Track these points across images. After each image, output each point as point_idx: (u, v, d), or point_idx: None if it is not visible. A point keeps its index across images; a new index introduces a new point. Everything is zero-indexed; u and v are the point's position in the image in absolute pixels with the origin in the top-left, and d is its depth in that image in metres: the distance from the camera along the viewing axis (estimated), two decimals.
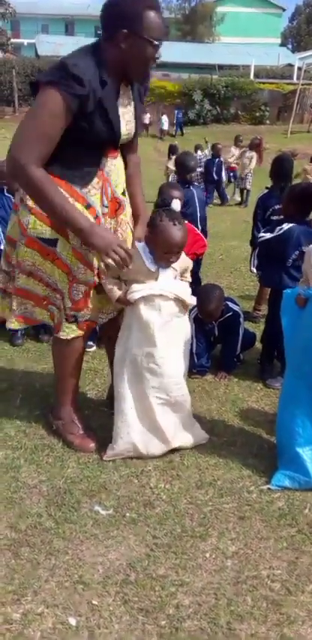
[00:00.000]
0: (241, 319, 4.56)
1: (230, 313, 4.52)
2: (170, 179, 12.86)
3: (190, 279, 3.50)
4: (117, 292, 3.24)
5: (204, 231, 5.46)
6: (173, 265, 3.24)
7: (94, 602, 2.37)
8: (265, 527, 2.84)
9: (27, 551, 2.63)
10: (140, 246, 3.24)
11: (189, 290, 3.34)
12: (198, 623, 2.29)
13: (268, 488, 3.12)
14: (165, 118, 26.68)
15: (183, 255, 3.35)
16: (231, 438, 3.62)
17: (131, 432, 3.26)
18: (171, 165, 13.83)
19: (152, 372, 3.20)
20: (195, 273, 4.68)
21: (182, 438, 3.40)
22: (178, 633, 2.24)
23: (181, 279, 3.39)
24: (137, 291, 3.14)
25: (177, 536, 2.76)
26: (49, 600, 2.37)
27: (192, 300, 3.36)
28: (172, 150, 15.08)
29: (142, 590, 2.44)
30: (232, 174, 14.96)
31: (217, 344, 4.69)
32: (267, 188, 5.45)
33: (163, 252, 3.14)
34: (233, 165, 14.66)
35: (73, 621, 2.28)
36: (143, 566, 2.57)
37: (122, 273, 3.19)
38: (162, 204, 3.22)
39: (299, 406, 3.19)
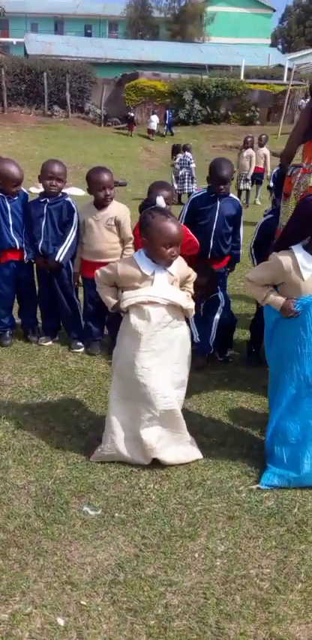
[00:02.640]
0: (221, 306, 4.65)
1: (216, 294, 4.69)
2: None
3: (192, 291, 3.42)
4: (112, 301, 3.23)
5: None
6: (172, 271, 3.17)
7: (82, 602, 2.37)
8: (254, 527, 2.84)
9: (15, 551, 2.62)
10: (136, 253, 3.22)
11: (184, 295, 3.25)
12: (187, 623, 2.29)
13: (258, 488, 3.12)
14: (155, 118, 26.68)
15: (183, 263, 3.32)
16: (221, 438, 3.62)
17: (115, 439, 3.23)
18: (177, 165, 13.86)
19: (136, 384, 3.13)
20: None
21: (169, 453, 3.26)
22: (167, 633, 2.24)
23: (183, 289, 3.33)
24: (126, 299, 3.12)
25: (166, 536, 2.76)
26: (37, 601, 2.36)
27: (189, 304, 3.24)
28: (176, 150, 14.97)
29: (130, 590, 2.43)
30: (256, 177, 14.02)
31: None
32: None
33: (162, 248, 3.06)
34: (260, 166, 13.82)
35: (61, 621, 2.27)
36: (132, 566, 2.56)
37: (118, 280, 3.18)
38: (147, 204, 3.20)
39: (290, 405, 3.20)
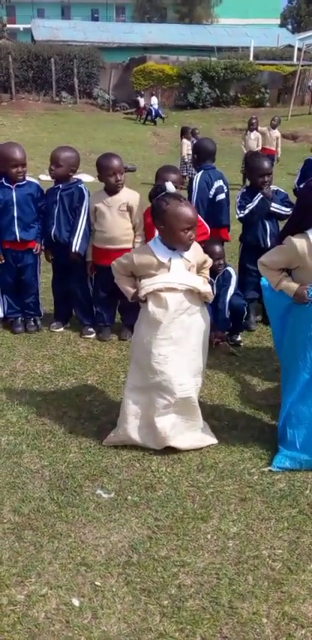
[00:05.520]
0: (233, 279, 4.73)
1: (227, 267, 4.80)
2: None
3: (208, 276, 3.43)
4: (131, 290, 3.25)
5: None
6: (188, 257, 3.17)
7: (97, 583, 2.41)
8: (266, 509, 2.86)
9: (30, 534, 2.66)
10: (151, 242, 3.23)
11: (201, 280, 3.24)
12: (200, 603, 2.32)
13: (270, 470, 3.14)
14: (154, 100, 26.43)
15: (199, 248, 3.32)
16: (232, 422, 3.64)
17: (128, 427, 3.25)
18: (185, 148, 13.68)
19: (152, 371, 3.14)
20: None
21: (182, 440, 3.27)
22: (181, 612, 2.27)
23: (200, 274, 3.33)
24: (144, 287, 3.12)
25: (178, 518, 2.79)
26: (52, 582, 2.41)
27: (206, 288, 3.23)
28: (184, 132, 14.78)
29: (144, 571, 2.47)
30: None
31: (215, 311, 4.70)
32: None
33: (181, 233, 3.06)
34: (272, 148, 13.40)
35: (76, 602, 2.31)
36: (145, 547, 2.60)
37: (134, 269, 3.19)
38: (158, 191, 3.19)
39: (303, 390, 3.21)
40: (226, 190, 5.08)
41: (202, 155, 5.16)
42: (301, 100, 27.67)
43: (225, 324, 4.68)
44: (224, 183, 5.07)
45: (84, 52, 30.29)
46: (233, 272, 4.79)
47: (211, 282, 4.51)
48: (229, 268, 4.81)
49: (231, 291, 4.69)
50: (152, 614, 2.27)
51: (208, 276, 3.44)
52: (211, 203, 4.96)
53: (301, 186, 4.93)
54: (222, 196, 5.01)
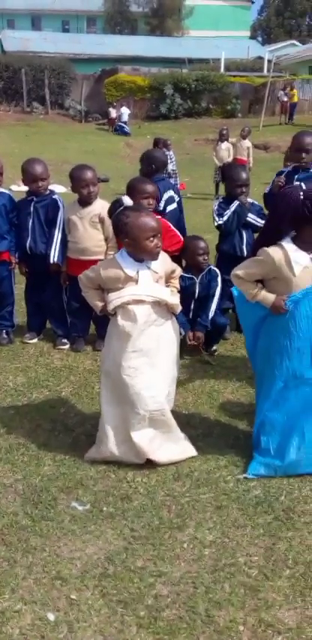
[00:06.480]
0: (219, 279, 4.72)
1: (211, 266, 4.80)
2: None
3: (177, 286, 3.43)
4: (99, 304, 3.23)
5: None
6: (155, 269, 3.17)
7: (72, 596, 2.37)
8: (242, 516, 2.87)
9: (3, 550, 2.62)
10: (117, 254, 3.22)
11: (169, 291, 3.24)
12: (177, 612, 2.31)
13: (245, 477, 3.15)
14: (125, 110, 26.56)
15: (167, 258, 3.32)
16: (207, 430, 3.64)
17: (108, 443, 3.21)
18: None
19: (123, 385, 3.12)
20: None
21: (162, 455, 3.24)
22: (157, 623, 2.26)
23: (168, 285, 3.32)
24: (111, 301, 3.11)
25: (155, 528, 2.77)
26: (26, 597, 2.37)
27: (174, 300, 3.23)
28: (156, 144, 14.76)
29: (120, 583, 2.44)
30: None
31: (196, 309, 4.73)
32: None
33: (146, 242, 3.05)
34: (243, 158, 13.66)
35: (51, 617, 2.28)
36: (121, 558, 2.58)
37: (102, 282, 3.17)
38: (116, 206, 3.15)
39: (277, 398, 3.23)
40: (177, 199, 5.08)
41: (154, 167, 5.02)
42: (272, 110, 28.12)
43: (204, 328, 4.64)
44: (175, 192, 5.09)
45: (55, 63, 30.30)
46: (218, 271, 4.77)
47: (194, 281, 4.60)
48: (213, 267, 4.84)
49: (217, 297, 4.68)
50: (129, 625, 2.25)
51: (178, 286, 3.44)
52: (161, 214, 4.81)
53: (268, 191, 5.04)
54: (172, 207, 4.96)
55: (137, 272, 3.12)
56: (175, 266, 3.42)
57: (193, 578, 2.48)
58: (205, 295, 4.71)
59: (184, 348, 4.28)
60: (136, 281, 3.11)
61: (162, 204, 4.88)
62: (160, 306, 3.16)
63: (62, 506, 2.91)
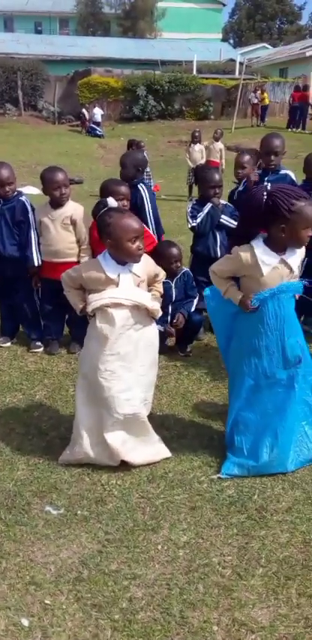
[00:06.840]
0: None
1: (184, 269, 4.88)
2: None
3: (161, 290, 3.43)
4: (80, 305, 3.22)
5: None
6: (137, 272, 3.16)
7: (46, 601, 2.36)
8: (215, 516, 2.89)
9: None
10: (100, 256, 3.22)
11: (149, 295, 3.23)
12: (151, 614, 2.32)
13: (218, 478, 3.17)
14: (97, 110, 26.49)
15: (150, 261, 3.32)
16: (182, 431, 3.66)
17: (83, 443, 3.20)
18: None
19: (100, 387, 3.12)
20: None
21: (136, 456, 3.24)
22: (132, 625, 2.26)
23: (151, 289, 3.33)
24: (91, 302, 3.10)
25: (129, 530, 2.78)
26: (0, 603, 2.35)
27: (154, 305, 3.22)
28: (130, 145, 14.77)
29: (94, 587, 2.44)
30: None
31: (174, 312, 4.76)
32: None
33: (128, 244, 3.04)
34: (216, 160, 13.70)
35: (25, 622, 2.27)
36: (96, 562, 2.57)
37: (83, 282, 3.17)
38: (100, 207, 3.15)
39: (249, 397, 3.26)
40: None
41: (140, 169, 5.09)
42: (244, 112, 28.29)
43: (186, 312, 4.73)
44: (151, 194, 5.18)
45: (28, 64, 30.02)
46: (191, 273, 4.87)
47: (169, 285, 4.63)
48: (187, 269, 4.90)
49: (196, 295, 4.78)
50: (103, 629, 2.25)
51: (161, 290, 3.44)
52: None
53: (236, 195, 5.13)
54: None
55: (118, 275, 3.11)
56: (158, 269, 3.41)
57: (168, 580, 2.49)
58: (181, 298, 4.77)
59: (161, 346, 4.30)
60: (117, 284, 3.11)
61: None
62: (140, 311, 3.16)
63: (36, 510, 2.90)
